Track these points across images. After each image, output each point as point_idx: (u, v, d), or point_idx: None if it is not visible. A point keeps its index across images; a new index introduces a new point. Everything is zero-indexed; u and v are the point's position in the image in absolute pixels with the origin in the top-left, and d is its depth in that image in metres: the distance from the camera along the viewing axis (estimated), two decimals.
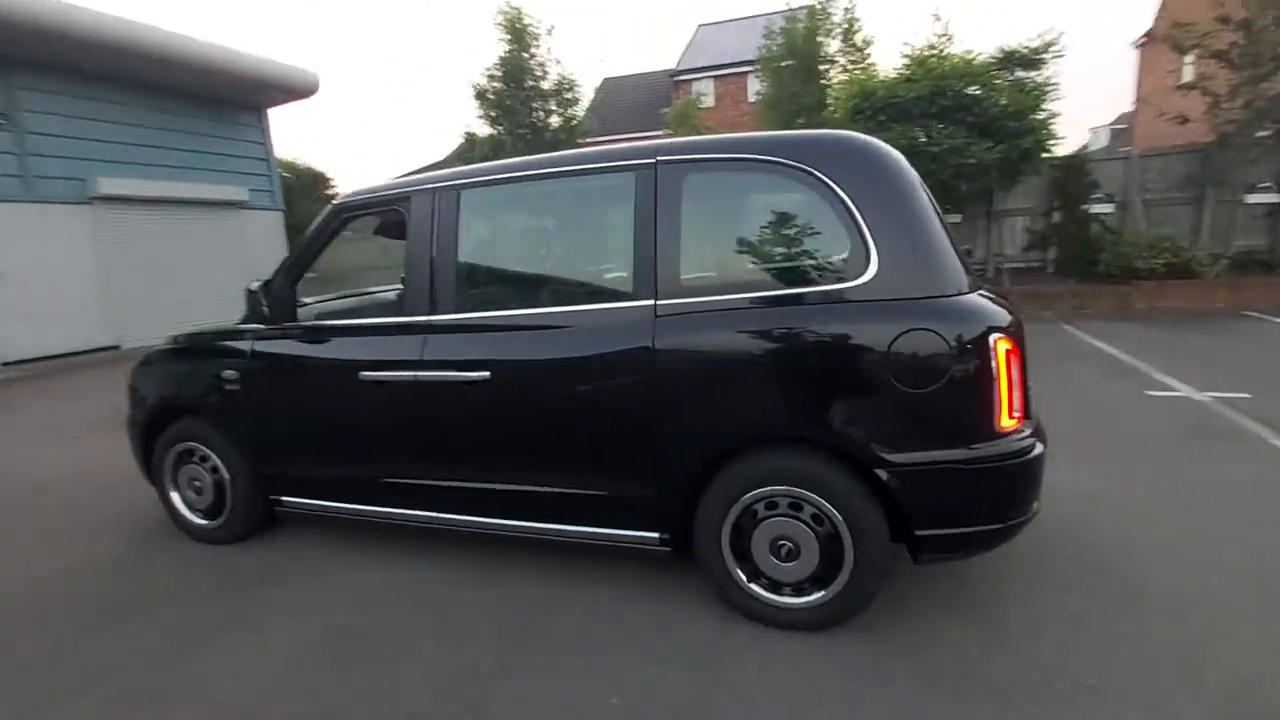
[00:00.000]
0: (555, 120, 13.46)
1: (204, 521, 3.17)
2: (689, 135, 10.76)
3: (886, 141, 2.26)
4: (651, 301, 2.21)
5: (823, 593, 2.17)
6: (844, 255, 2.06)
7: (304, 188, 15.42)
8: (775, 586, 2.22)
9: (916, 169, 2.24)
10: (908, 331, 1.96)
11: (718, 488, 2.21)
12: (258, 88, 12.13)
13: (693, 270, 2.23)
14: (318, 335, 2.79)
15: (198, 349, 3.09)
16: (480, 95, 13.00)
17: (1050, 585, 2.43)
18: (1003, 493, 2.05)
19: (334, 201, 2.79)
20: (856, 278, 2.03)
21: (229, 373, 2.92)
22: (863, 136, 2.16)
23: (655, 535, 2.34)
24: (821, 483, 2.09)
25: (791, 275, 2.16)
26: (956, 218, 10.55)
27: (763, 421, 2.14)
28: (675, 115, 11.58)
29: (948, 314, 1.96)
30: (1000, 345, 1.94)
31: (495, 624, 2.37)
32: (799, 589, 2.20)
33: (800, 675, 2.01)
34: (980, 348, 1.93)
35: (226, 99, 12.15)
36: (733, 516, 2.21)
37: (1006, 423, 1.98)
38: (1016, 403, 2.00)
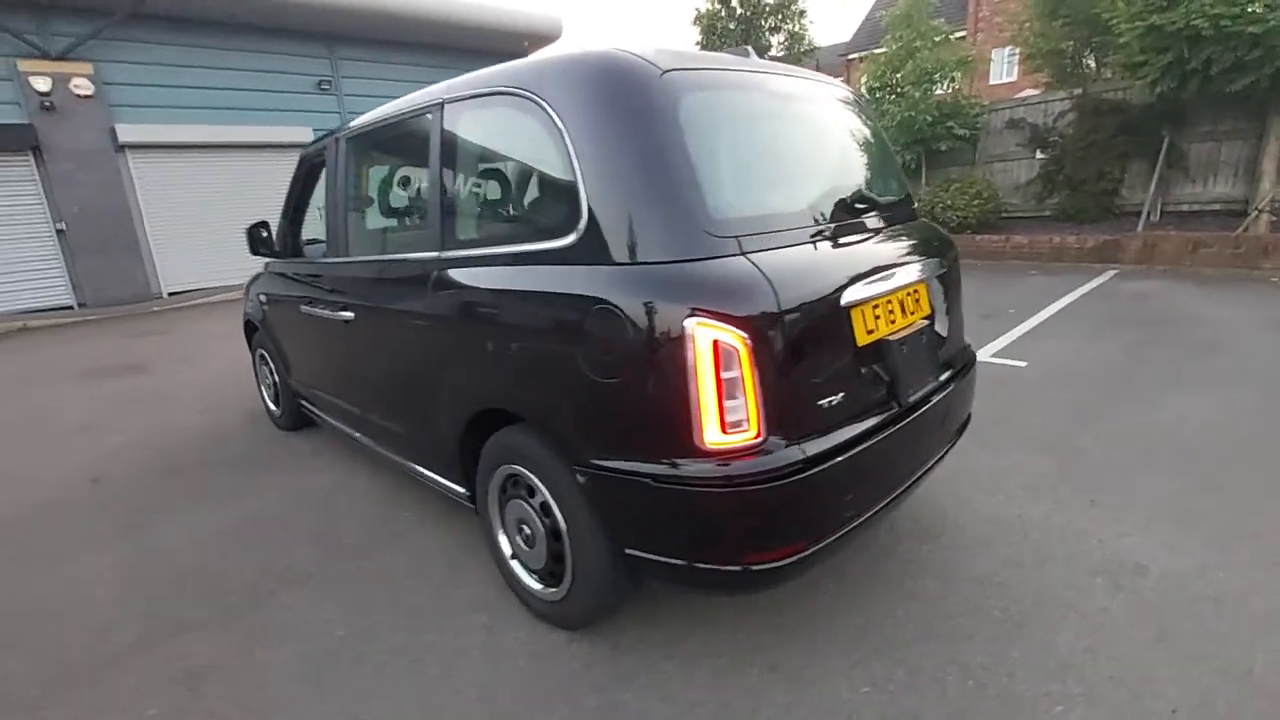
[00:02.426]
0: (776, 39, 12.41)
1: (275, 410, 4.04)
2: (910, 45, 9.01)
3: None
4: (437, 253, 2.11)
5: (555, 589, 1.93)
6: (565, 206, 1.68)
7: None
8: (529, 570, 2.05)
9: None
10: (596, 306, 1.56)
11: (486, 453, 2.08)
12: (513, 38, 13.59)
13: (466, 219, 2.05)
14: (293, 270, 3.26)
15: (258, 275, 3.85)
16: (698, 20, 12.58)
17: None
18: (709, 528, 1.54)
19: (301, 153, 3.16)
20: (569, 233, 1.65)
21: (262, 297, 3.61)
22: (611, 55, 1.65)
23: (462, 490, 2.32)
24: (542, 470, 1.83)
25: (524, 228, 1.85)
26: None
27: (493, 391, 1.93)
28: (894, 20, 9.47)
29: (638, 285, 1.50)
30: (702, 334, 1.42)
31: (354, 541, 2.64)
32: (542, 579, 1.99)
33: (495, 668, 1.86)
34: (673, 336, 1.44)
35: (489, 50, 13.83)
36: (494, 488, 2.08)
37: (716, 439, 1.46)
38: (746, 415, 1.46)
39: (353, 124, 2.65)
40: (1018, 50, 19.56)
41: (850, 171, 2.07)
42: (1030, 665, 1.72)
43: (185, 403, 4.80)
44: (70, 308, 10.04)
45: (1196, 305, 5.55)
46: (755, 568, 1.54)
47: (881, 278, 1.76)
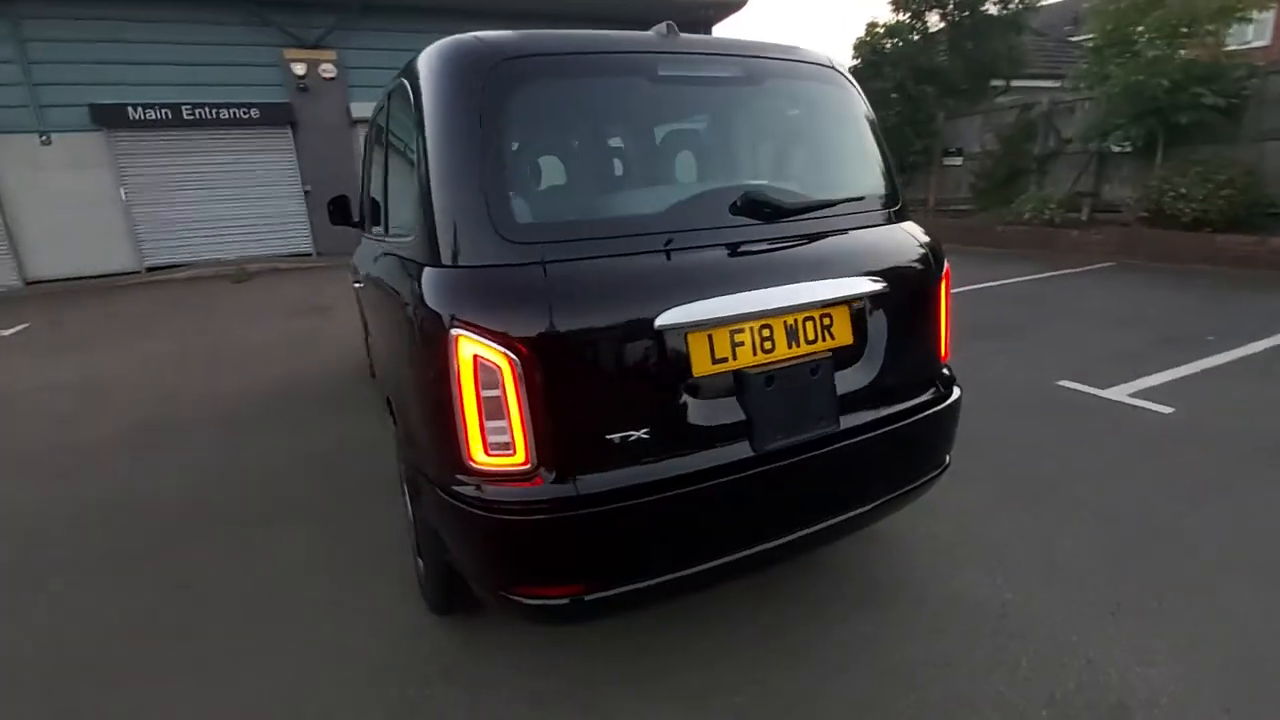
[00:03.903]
0: None
1: (370, 359, 4.61)
2: None
3: None
4: (383, 238, 2.23)
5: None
6: (416, 200, 1.65)
7: None
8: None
9: None
10: (406, 307, 1.54)
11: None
12: (695, 6, 13.43)
13: (393, 207, 2.12)
14: (358, 240, 3.65)
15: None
16: None
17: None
18: (477, 551, 1.47)
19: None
20: (415, 229, 1.63)
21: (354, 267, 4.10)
22: (452, 41, 1.56)
23: None
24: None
25: (406, 221, 1.84)
26: None
27: (387, 381, 2.00)
28: None
29: (432, 290, 1.44)
30: (465, 347, 1.33)
31: (359, 489, 2.93)
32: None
33: (363, 636, 1.98)
34: (443, 346, 1.37)
35: (674, 20, 13.83)
36: (402, 467, 2.18)
37: (482, 459, 1.38)
38: (511, 438, 1.36)
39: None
40: None
41: (773, 167, 1.77)
42: None
43: (334, 344, 5.66)
44: (310, 255, 12.26)
45: None
46: (526, 601, 1.45)
47: (753, 296, 1.49)
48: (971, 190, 10.88)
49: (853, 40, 12.06)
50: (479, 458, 1.38)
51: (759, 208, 1.59)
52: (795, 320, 1.56)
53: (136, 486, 3.08)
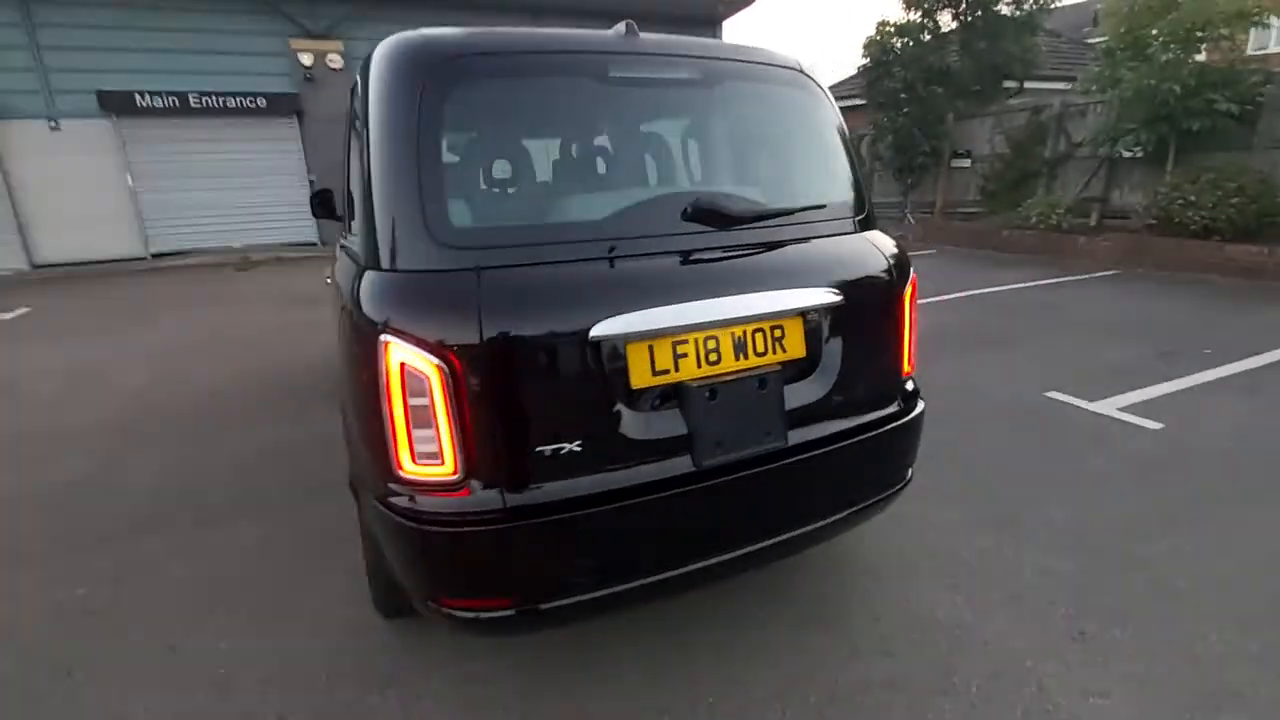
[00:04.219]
0: None
1: None
2: None
3: None
4: (344, 238, 2.20)
5: None
6: (364, 198, 1.63)
7: None
8: None
9: None
10: (343, 309, 1.51)
11: None
12: (708, 4, 13.33)
13: (352, 203, 2.08)
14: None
15: None
16: None
17: None
18: (403, 559, 1.44)
19: None
20: (360, 231, 1.60)
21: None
22: (399, 37, 1.53)
23: None
24: None
25: (357, 219, 1.81)
26: None
27: (337, 384, 1.97)
28: None
29: (367, 293, 1.40)
30: (393, 353, 1.30)
31: (335, 483, 2.93)
32: None
33: (314, 633, 1.97)
34: (373, 350, 1.34)
35: (684, 17, 13.74)
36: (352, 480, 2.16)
37: (410, 469, 1.35)
38: (439, 448, 1.32)
39: None
40: None
41: (731, 173, 1.72)
42: None
43: (328, 337, 5.67)
44: (314, 244, 12.29)
45: None
46: (456, 613, 1.42)
47: (696, 307, 1.45)
48: (980, 193, 10.74)
49: (862, 39, 11.88)
50: (407, 467, 1.35)
51: (711, 215, 1.54)
52: (744, 332, 1.52)
53: (108, 476, 3.09)
